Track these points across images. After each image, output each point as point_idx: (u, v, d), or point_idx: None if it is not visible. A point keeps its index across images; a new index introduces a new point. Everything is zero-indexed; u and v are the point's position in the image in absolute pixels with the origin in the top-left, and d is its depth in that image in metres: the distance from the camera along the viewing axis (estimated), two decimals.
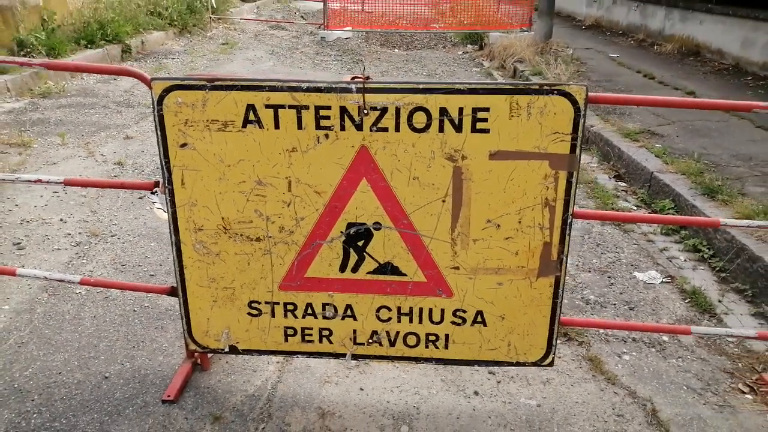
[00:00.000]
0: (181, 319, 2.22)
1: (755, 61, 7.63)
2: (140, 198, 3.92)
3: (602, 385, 2.38)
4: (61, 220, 3.60)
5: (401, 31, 12.13)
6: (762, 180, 4.00)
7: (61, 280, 2.39)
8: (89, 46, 8.16)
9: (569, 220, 2.00)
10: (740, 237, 3.18)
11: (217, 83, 1.93)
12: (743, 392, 2.36)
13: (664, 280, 3.16)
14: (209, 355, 2.42)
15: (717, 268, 3.24)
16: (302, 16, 15.23)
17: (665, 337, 2.68)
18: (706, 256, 3.35)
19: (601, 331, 2.72)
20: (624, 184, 4.50)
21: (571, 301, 2.94)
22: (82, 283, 2.27)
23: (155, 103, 1.95)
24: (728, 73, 7.74)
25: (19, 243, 3.31)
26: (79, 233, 3.43)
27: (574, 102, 1.86)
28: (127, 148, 4.89)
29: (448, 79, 8.43)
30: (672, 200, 3.85)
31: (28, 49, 7.13)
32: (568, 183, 1.95)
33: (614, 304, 2.93)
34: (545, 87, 1.86)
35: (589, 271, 3.24)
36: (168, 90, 1.95)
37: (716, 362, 2.53)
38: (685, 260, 3.37)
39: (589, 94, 1.87)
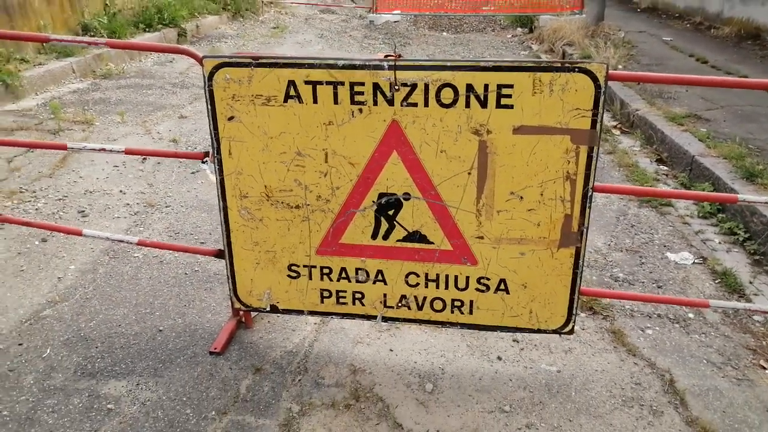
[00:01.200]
0: (227, 280, 2.42)
1: None
2: (193, 173, 4.17)
3: (623, 355, 2.47)
4: (121, 191, 3.89)
5: (450, 14, 12.11)
6: None
7: (121, 241, 2.64)
8: (147, 29, 8.54)
9: (590, 194, 2.09)
10: None
11: (261, 60, 2.10)
12: (764, 368, 2.41)
13: (696, 261, 3.19)
14: (252, 314, 2.62)
15: (752, 251, 3.24)
16: (352, 0, 15.36)
17: (691, 314, 2.73)
18: (741, 239, 3.35)
19: (627, 306, 2.79)
20: (665, 168, 4.48)
21: (600, 278, 3.01)
22: (139, 243, 2.51)
23: (206, 79, 2.14)
24: None
25: (83, 211, 3.60)
26: (137, 203, 3.71)
27: (594, 79, 1.95)
28: (182, 126, 5.17)
29: None
30: (711, 183, 3.84)
31: (92, 33, 7.54)
32: (589, 157, 2.04)
33: (642, 282, 2.99)
34: (567, 64, 1.95)
35: (621, 251, 3.29)
36: (217, 67, 2.13)
37: (740, 339, 2.58)
38: (719, 242, 3.38)
39: (610, 71, 1.95)
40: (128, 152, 2.36)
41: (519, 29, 11.07)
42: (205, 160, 2.34)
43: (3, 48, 6.07)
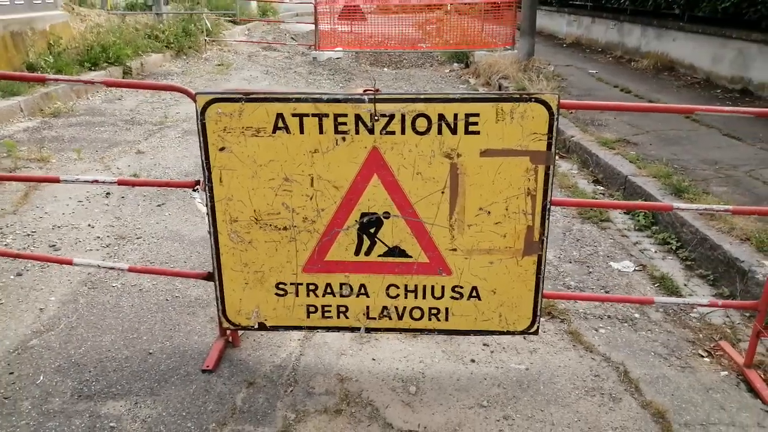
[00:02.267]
0: (216, 301, 2.56)
1: (724, 75, 8.15)
2: (159, 206, 4.25)
3: (581, 352, 2.75)
4: (89, 225, 3.93)
5: (390, 50, 12.61)
6: (725, 181, 4.43)
7: (111, 268, 2.73)
8: (93, 68, 8.53)
9: (548, 207, 2.38)
10: (703, 229, 3.58)
11: (251, 96, 2.30)
12: (702, 356, 2.74)
13: (636, 268, 3.55)
14: (239, 332, 2.76)
15: (683, 258, 3.63)
16: (293, 38, 15.69)
17: (637, 314, 3.06)
18: (674, 247, 3.75)
19: (581, 310, 3.09)
20: (602, 187, 4.91)
21: (554, 287, 3.31)
22: (130, 270, 2.62)
23: (198, 113, 2.32)
24: (700, 86, 8.25)
25: (54, 245, 3.63)
26: (107, 236, 3.77)
27: (548, 108, 2.25)
28: (141, 161, 5.23)
29: None
30: (645, 200, 4.26)
31: (38, 71, 7.47)
32: (546, 175, 2.33)
33: (592, 289, 3.31)
34: (525, 95, 2.26)
35: (570, 262, 3.62)
36: (209, 102, 2.31)
37: (680, 334, 2.91)
38: (655, 251, 3.76)
39: (561, 101, 2.26)
40: (121, 183, 2.49)
41: (456, 64, 11.64)
42: (195, 188, 2.50)
43: None
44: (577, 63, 10.57)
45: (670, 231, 3.88)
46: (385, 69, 11.46)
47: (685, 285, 3.34)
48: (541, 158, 2.31)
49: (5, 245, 3.58)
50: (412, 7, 14.06)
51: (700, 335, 2.90)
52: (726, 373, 2.61)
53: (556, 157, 5.73)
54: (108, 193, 4.42)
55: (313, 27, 12.54)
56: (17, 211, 4.08)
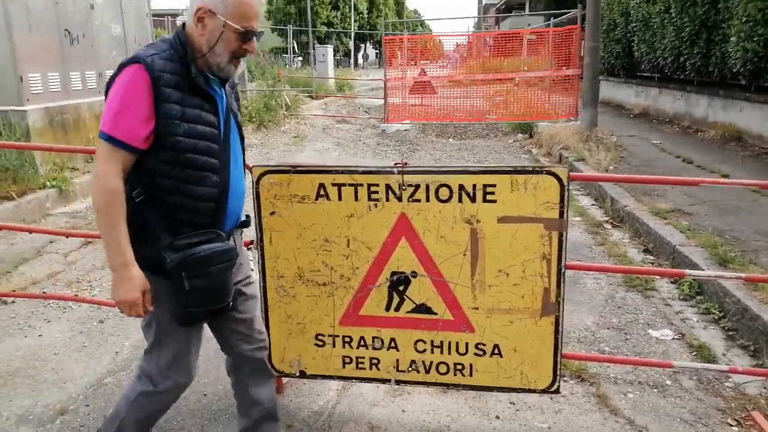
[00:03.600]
0: None
1: None
2: None
3: (606, 415, 2.83)
4: None
5: (456, 123, 13.09)
6: None
7: None
8: None
9: (563, 270, 2.57)
10: (744, 299, 3.59)
11: (298, 168, 2.67)
12: (731, 425, 2.75)
13: (675, 336, 3.58)
14: (284, 379, 3.03)
15: (725, 327, 3.63)
16: (366, 111, 16.59)
17: (668, 381, 3.10)
18: (716, 317, 3.75)
19: (612, 375, 3.17)
20: (651, 257, 4.94)
21: (588, 351, 3.40)
22: None
23: (254, 183, 2.71)
24: (767, 156, 8.10)
25: None
26: None
27: (559, 179, 2.48)
28: None
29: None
30: (691, 269, 4.28)
31: None
32: (560, 241, 2.53)
33: (626, 355, 3.37)
34: (537, 168, 2.50)
35: (608, 329, 3.69)
36: (263, 174, 2.70)
37: (711, 402, 2.93)
38: (697, 321, 3.77)
39: (570, 173, 2.49)
40: None
41: (520, 135, 11.93)
42: (249, 248, 2.86)
43: (58, 158, 6.85)
44: (642, 133, 10.60)
45: (714, 301, 3.88)
46: (450, 140, 11.89)
47: (724, 354, 3.34)
48: (554, 225, 2.52)
49: (92, 296, 4.08)
50: (483, 80, 14.62)
51: (732, 404, 2.90)
52: None
53: (609, 227, 5.82)
54: None
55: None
56: (104, 267, 4.62)
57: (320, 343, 2.83)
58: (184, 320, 2.08)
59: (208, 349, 3.38)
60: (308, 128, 13.28)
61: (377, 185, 2.60)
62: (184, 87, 1.88)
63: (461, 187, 2.53)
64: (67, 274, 4.45)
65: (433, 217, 2.58)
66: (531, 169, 2.50)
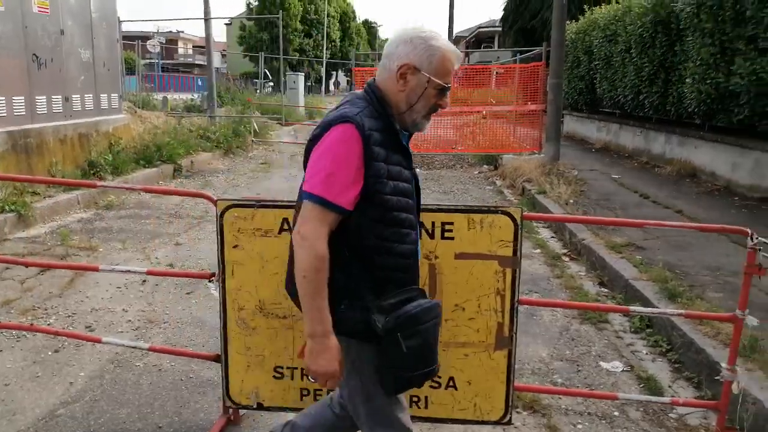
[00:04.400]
0: (221, 380, 2.87)
1: (743, 184, 8.34)
2: (188, 294, 4.68)
3: None
4: (124, 309, 4.36)
5: (423, 153, 13.29)
6: (722, 287, 4.58)
7: (134, 347, 3.10)
8: (147, 165, 9.39)
9: (516, 306, 2.66)
10: (690, 333, 3.74)
11: (262, 203, 2.73)
12: None
13: (624, 368, 3.70)
14: (240, 411, 3.03)
15: (672, 360, 3.77)
16: None
17: (617, 412, 3.20)
18: (664, 350, 3.89)
19: (563, 406, 3.26)
20: (606, 290, 5.10)
21: (542, 383, 3.49)
22: (150, 349, 2.98)
23: (218, 216, 2.75)
24: (719, 193, 8.45)
25: (90, 326, 4.05)
26: (138, 320, 4.18)
27: (513, 219, 2.59)
28: (177, 252, 5.74)
29: (461, 195, 9.33)
30: (642, 303, 4.43)
31: (97, 169, 8.32)
32: (513, 277, 2.63)
33: (577, 386, 3.47)
34: (492, 208, 2.61)
35: (561, 360, 3.80)
36: (228, 207, 2.75)
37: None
38: (647, 353, 3.91)
39: (524, 213, 2.60)
40: (149, 273, 2.91)
41: (485, 166, 12.18)
42: (211, 279, 2.89)
43: (18, 183, 6.75)
44: (603, 167, 10.93)
45: (662, 334, 4.03)
46: (418, 170, 12.06)
47: (670, 386, 3.47)
48: (508, 262, 2.63)
49: (48, 324, 4.02)
50: (452, 112, 14.89)
51: None
52: None
53: (567, 259, 5.98)
54: (144, 281, 4.88)
55: None
56: (62, 294, 4.57)
57: (279, 375, 2.85)
58: (397, 386, 1.92)
59: (165, 379, 3.37)
60: (276, 155, 13.33)
61: None
62: (388, 144, 1.85)
63: (421, 225, 2.61)
64: (23, 302, 4.38)
65: None
66: (487, 208, 2.61)
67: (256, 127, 14.24)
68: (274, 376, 2.85)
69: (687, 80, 9.38)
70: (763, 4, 7.33)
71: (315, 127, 1.89)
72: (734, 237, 6.01)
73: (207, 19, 13.46)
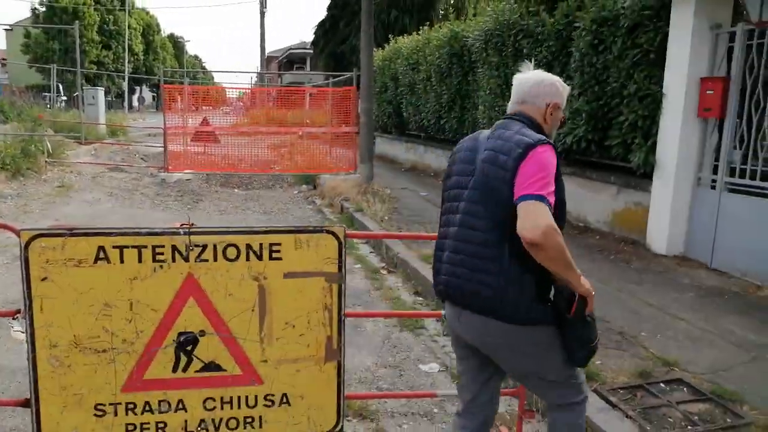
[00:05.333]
0: (32, 426, 2.62)
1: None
2: None
3: None
4: None
5: (241, 173, 13.11)
6: None
7: None
8: None
9: (343, 318, 2.83)
10: None
11: (75, 231, 2.57)
12: None
13: (440, 369, 4.08)
14: None
15: None
16: (143, 158, 15.73)
17: (436, 409, 3.53)
18: None
19: (389, 409, 3.50)
20: (420, 298, 5.54)
21: (369, 389, 3.71)
22: None
23: (22, 248, 2.53)
24: None
25: None
26: None
27: (337, 237, 2.76)
28: None
29: (282, 215, 9.40)
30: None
31: None
32: (340, 292, 2.80)
33: (401, 389, 3.75)
34: (318, 228, 2.76)
35: (385, 367, 4.06)
36: (33, 237, 2.54)
37: None
38: None
39: (347, 232, 2.79)
40: None
41: (304, 186, 12.38)
42: (16, 317, 2.63)
43: None
44: (413, 186, 11.76)
45: None
46: (236, 190, 11.88)
47: None
48: (334, 278, 2.79)
49: None
50: (267, 132, 14.87)
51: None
52: None
53: (385, 272, 6.37)
54: None
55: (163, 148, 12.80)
56: None
57: (100, 413, 2.68)
58: (588, 357, 2.37)
59: None
60: (75, 177, 12.18)
61: (163, 246, 2.61)
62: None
63: (248, 246, 2.67)
64: None
65: (221, 276, 2.67)
66: (312, 228, 2.75)
67: (49, 146, 12.85)
68: (95, 414, 2.68)
69: (479, 107, 10.53)
70: (537, 44, 8.56)
71: (509, 148, 2.26)
72: None
73: None
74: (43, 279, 2.57)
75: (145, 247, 2.60)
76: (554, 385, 2.44)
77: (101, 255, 2.59)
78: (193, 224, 2.66)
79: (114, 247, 2.59)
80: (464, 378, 2.68)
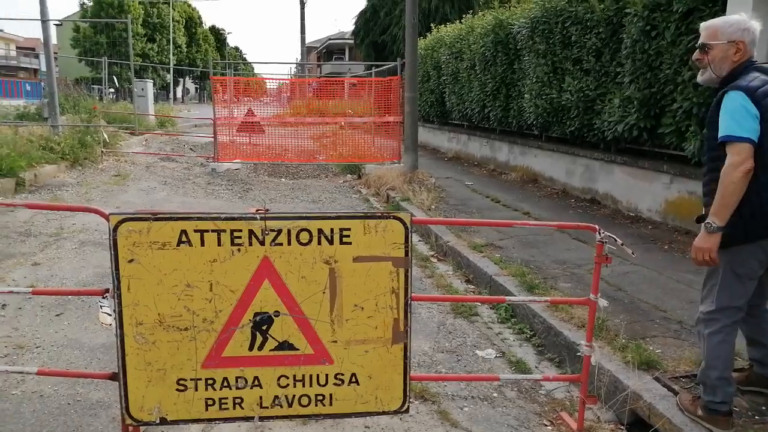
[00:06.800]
0: (120, 399, 2.80)
1: (577, 187, 9.48)
2: (57, 315, 4.38)
3: (448, 428, 3.21)
4: None
5: (287, 163, 13.34)
6: (570, 278, 5.25)
7: (20, 372, 2.90)
8: None
9: (409, 302, 2.92)
10: (549, 319, 4.27)
11: (159, 216, 2.72)
12: (546, 425, 3.29)
13: (497, 355, 4.14)
14: (141, 429, 2.97)
15: (536, 344, 4.28)
16: (191, 149, 16.15)
17: (495, 394, 3.60)
18: (528, 336, 4.40)
19: (450, 393, 3.59)
20: (472, 286, 5.59)
21: (428, 373, 3.80)
22: (39, 373, 2.81)
23: (111, 231, 2.70)
24: (558, 196, 9.52)
25: None
26: (6, 346, 3.85)
27: (404, 223, 2.85)
28: (37, 273, 5.31)
29: (330, 204, 9.55)
30: (505, 295, 4.94)
31: None
32: (406, 276, 2.89)
33: (459, 374, 3.83)
34: (385, 214, 2.85)
35: (443, 352, 4.15)
36: (121, 221, 2.71)
37: (530, 408, 3.46)
38: (514, 340, 4.39)
39: (414, 217, 2.88)
40: (35, 293, 2.75)
41: (349, 176, 12.52)
42: (105, 296, 2.81)
43: None
44: (456, 175, 11.77)
45: (526, 322, 4.55)
46: (283, 179, 12.10)
47: (536, 367, 3.95)
48: (401, 263, 2.88)
49: None
50: (311, 122, 15.06)
51: (546, 408, 3.47)
52: None
53: (435, 260, 6.44)
54: (4, 305, 4.48)
55: (211, 139, 13.11)
56: None
57: (182, 387, 2.85)
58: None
59: (49, 406, 3.20)
60: (130, 166, 12.61)
61: (240, 231, 2.75)
62: None
63: (320, 231, 2.78)
64: None
65: (295, 259, 2.79)
66: (380, 214, 2.84)
67: (105, 137, 13.33)
68: (177, 389, 2.84)
69: (525, 95, 10.45)
70: (585, 31, 8.43)
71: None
72: (574, 234, 6.86)
73: (45, 21, 12.38)
74: (130, 261, 2.73)
75: (224, 231, 2.74)
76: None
77: (183, 238, 2.74)
78: (268, 210, 2.78)
79: (195, 231, 2.73)
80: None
